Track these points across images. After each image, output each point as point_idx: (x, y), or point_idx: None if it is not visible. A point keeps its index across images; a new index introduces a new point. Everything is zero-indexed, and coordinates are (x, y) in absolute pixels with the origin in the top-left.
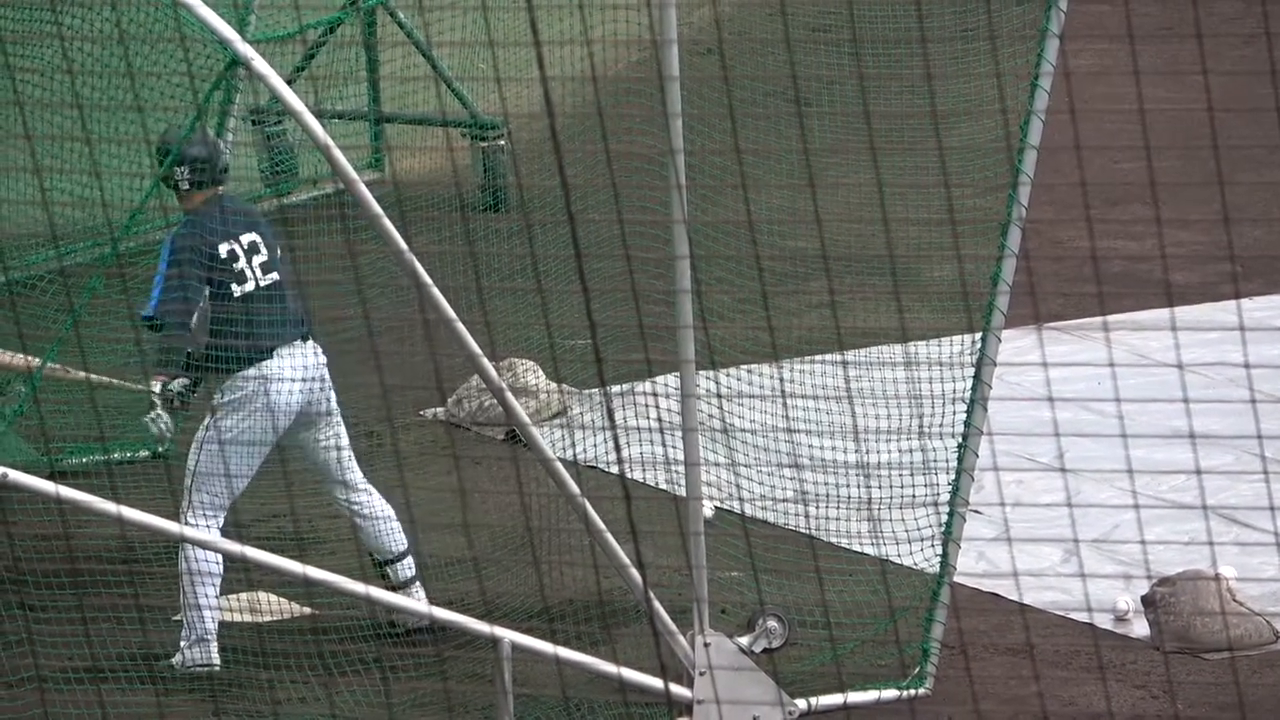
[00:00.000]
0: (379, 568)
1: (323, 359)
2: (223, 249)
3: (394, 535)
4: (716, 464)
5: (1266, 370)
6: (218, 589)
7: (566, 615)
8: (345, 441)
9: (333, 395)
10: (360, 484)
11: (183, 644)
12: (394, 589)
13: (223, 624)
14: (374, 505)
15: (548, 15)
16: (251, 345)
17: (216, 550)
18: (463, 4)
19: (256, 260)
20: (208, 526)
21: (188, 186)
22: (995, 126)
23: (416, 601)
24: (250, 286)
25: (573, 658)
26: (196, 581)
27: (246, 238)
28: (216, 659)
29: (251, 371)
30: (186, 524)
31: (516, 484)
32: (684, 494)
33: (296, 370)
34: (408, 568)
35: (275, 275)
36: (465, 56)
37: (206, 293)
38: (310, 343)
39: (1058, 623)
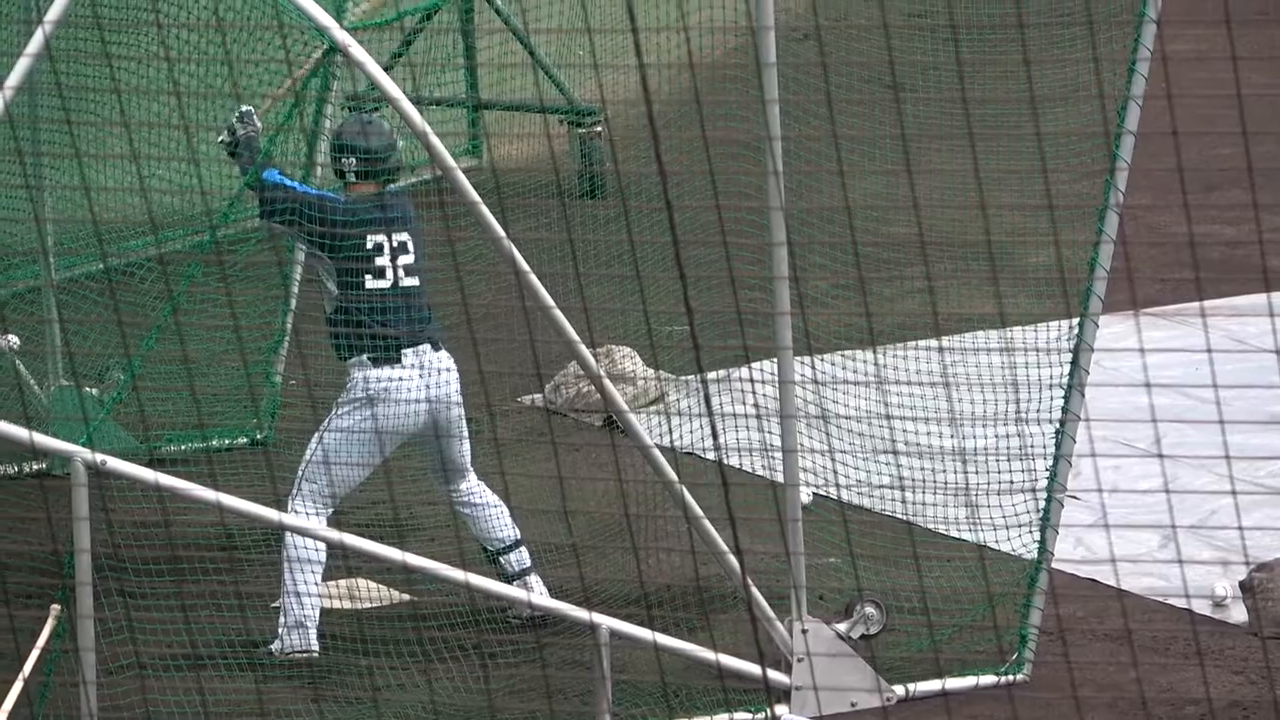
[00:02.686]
0: (492, 560)
1: (454, 369)
2: (370, 239)
3: (504, 525)
4: (814, 450)
5: None
6: (319, 576)
7: (664, 601)
8: (467, 433)
9: (460, 399)
10: (471, 474)
11: (281, 630)
12: (509, 579)
13: (322, 611)
14: (484, 494)
15: (645, 2)
16: (381, 342)
17: (315, 538)
18: None
19: (402, 260)
20: (313, 515)
21: (353, 178)
22: (1093, 112)
23: (516, 589)
24: (385, 284)
25: (671, 644)
26: (298, 568)
27: (399, 236)
28: (316, 645)
29: (384, 372)
30: (293, 510)
31: (615, 471)
32: (782, 480)
33: (425, 377)
34: (521, 559)
35: (416, 280)
36: (563, 43)
37: (332, 266)
38: (442, 351)
39: (1155, 608)
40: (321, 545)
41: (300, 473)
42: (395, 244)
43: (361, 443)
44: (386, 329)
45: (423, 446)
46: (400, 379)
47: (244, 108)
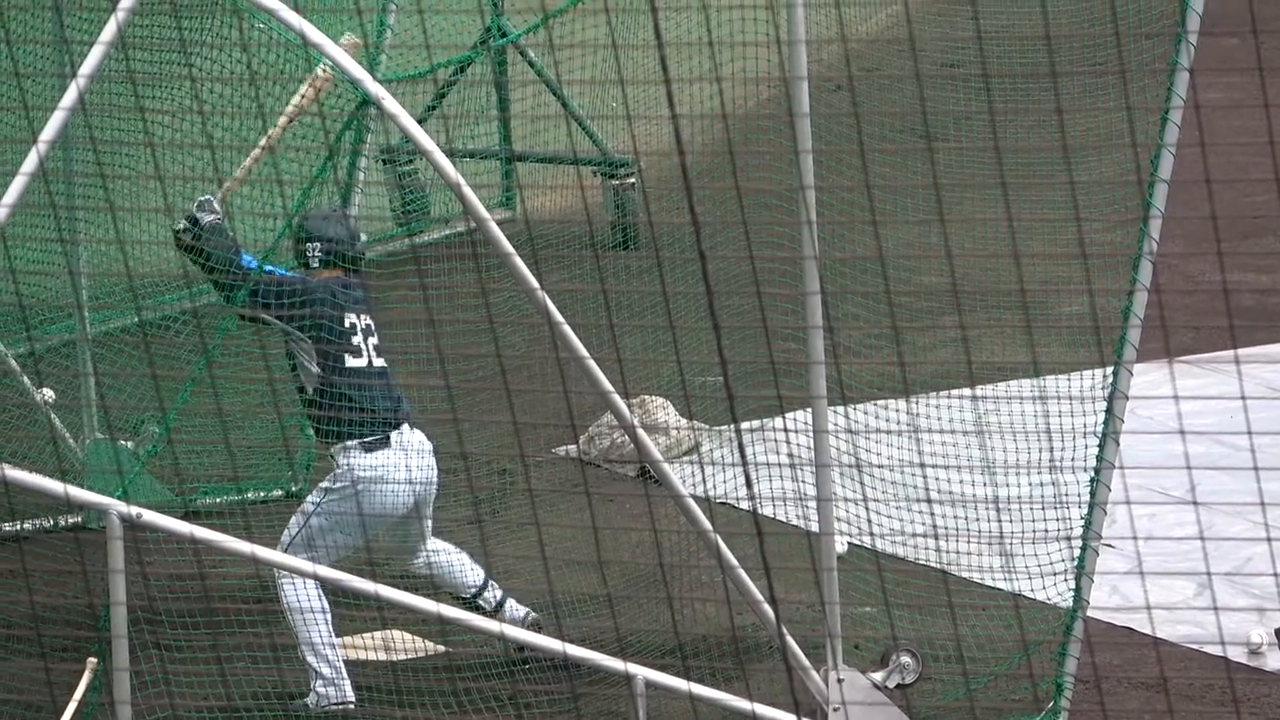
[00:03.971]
0: (471, 606)
1: (428, 445)
2: (347, 319)
3: (469, 568)
4: (849, 499)
5: None
6: (329, 624)
7: (700, 651)
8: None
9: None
10: (430, 536)
11: (316, 684)
12: (492, 614)
13: (356, 662)
14: (443, 545)
15: (677, 53)
16: (364, 423)
17: (345, 589)
18: (593, 42)
19: (370, 341)
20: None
21: (316, 264)
22: (1126, 160)
23: (549, 638)
24: (363, 363)
25: (706, 694)
26: (302, 619)
27: (364, 318)
28: (351, 696)
29: (374, 459)
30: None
31: (649, 521)
32: (816, 529)
33: (410, 459)
34: (495, 592)
35: (384, 361)
36: (596, 95)
37: (311, 346)
38: (416, 430)
39: (1191, 656)
40: (320, 593)
41: (281, 547)
42: (364, 324)
43: (348, 529)
44: (371, 408)
45: (397, 523)
46: (388, 464)
47: (202, 196)
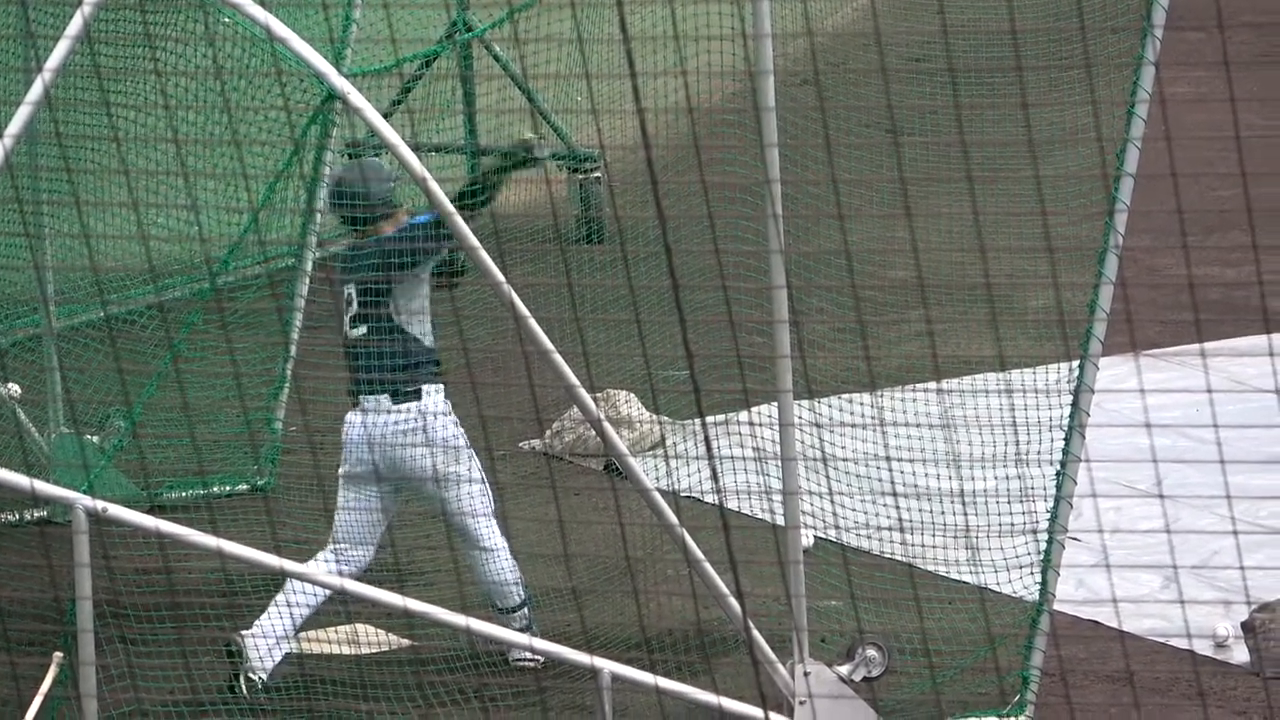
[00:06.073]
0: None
1: (400, 419)
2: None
3: (508, 591)
4: (815, 493)
5: None
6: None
7: (666, 645)
8: (460, 507)
9: (422, 461)
10: (485, 544)
11: (264, 658)
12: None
13: (323, 656)
14: (492, 568)
15: (643, 47)
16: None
17: (317, 583)
18: (558, 37)
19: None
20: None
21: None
22: (1092, 154)
23: (517, 633)
24: (359, 331)
25: (672, 688)
26: (299, 608)
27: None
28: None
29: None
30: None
31: (615, 515)
32: (782, 523)
33: (367, 426)
34: (522, 618)
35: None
36: (561, 89)
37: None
38: (398, 403)
39: (1157, 649)
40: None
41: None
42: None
43: (351, 485)
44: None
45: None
46: (354, 423)
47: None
